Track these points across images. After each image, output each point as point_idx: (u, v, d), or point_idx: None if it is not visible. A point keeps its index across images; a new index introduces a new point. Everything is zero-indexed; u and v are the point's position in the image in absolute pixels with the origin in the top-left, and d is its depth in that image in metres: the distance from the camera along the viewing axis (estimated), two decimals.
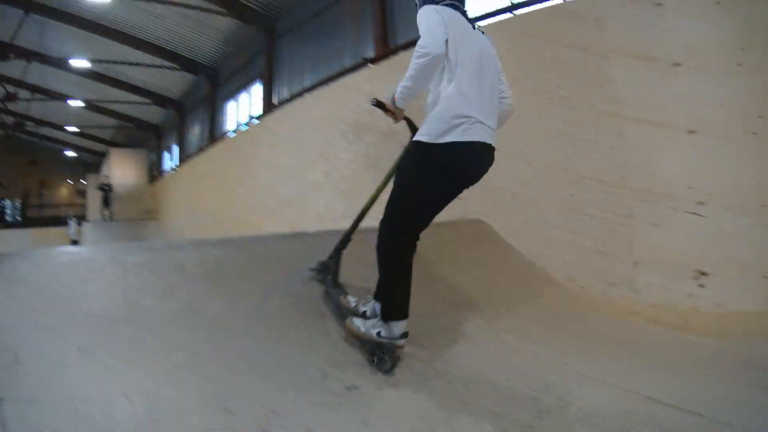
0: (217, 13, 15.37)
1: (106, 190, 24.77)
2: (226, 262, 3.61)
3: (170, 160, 25.73)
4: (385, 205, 3.09)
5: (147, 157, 27.78)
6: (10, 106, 25.90)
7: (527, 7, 7.02)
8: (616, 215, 4.99)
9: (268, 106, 14.16)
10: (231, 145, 14.45)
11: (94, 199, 27.44)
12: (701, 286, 4.40)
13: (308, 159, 9.77)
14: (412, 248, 3.12)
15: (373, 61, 9.56)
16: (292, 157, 10.41)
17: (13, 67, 22.14)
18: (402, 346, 3.08)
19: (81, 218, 26.08)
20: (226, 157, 14.28)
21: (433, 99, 2.97)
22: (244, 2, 14.96)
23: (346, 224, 3.66)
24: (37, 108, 27.69)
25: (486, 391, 2.96)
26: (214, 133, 18.89)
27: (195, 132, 21.51)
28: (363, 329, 3.13)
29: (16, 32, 18.17)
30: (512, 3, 8.00)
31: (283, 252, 3.99)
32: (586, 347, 3.68)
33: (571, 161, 5.40)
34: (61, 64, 21.29)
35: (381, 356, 3.07)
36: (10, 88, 23.44)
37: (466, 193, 5.89)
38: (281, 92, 14.27)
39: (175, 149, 24.37)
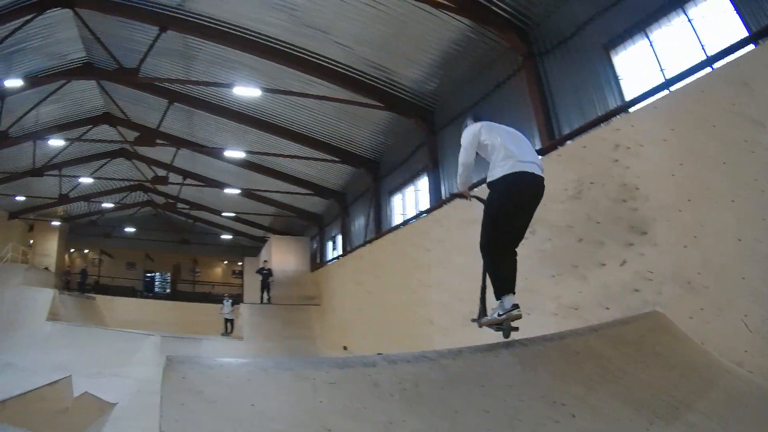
0: (372, 107, 15.87)
1: (265, 274, 25.41)
2: (422, 380, 3.50)
3: (333, 249, 26.40)
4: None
5: (308, 245, 28.38)
6: (160, 187, 28.07)
7: (682, 81, 6.99)
8: None
9: (437, 200, 14.27)
10: (399, 238, 14.45)
11: (251, 281, 28.08)
12: None
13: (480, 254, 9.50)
14: (510, 251, 4.85)
15: (540, 153, 9.10)
16: (463, 252, 9.93)
17: (162, 153, 24.20)
18: (518, 316, 4.49)
19: (237, 299, 27.08)
20: (394, 250, 14.29)
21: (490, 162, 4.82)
22: (399, 95, 15.47)
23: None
24: (191, 192, 29.71)
25: None
26: (380, 226, 19.24)
27: (359, 223, 22.02)
28: (489, 317, 4.72)
29: (161, 120, 19.60)
30: (666, 80, 7.96)
31: (477, 367, 3.92)
32: None
33: (743, 242, 5.32)
34: (212, 153, 22.87)
35: (500, 328, 4.59)
36: (161, 172, 25.27)
37: (642, 284, 6.38)
38: (450, 185, 14.37)
39: (339, 239, 24.99)
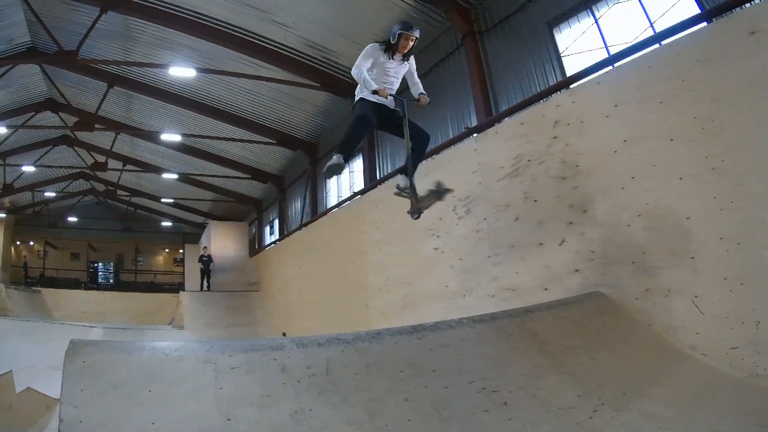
0: (310, 87, 15.60)
1: (205, 261, 25.55)
2: (334, 365, 3.40)
3: (271, 234, 26.37)
4: None
5: (247, 230, 28.54)
6: (100, 174, 27.25)
7: (627, 57, 6.81)
8: (735, 275, 4.77)
9: (371, 181, 14.09)
10: (335, 221, 14.35)
11: (193, 269, 28.14)
12: None
13: (418, 236, 9.45)
14: None
15: (477, 129, 9.12)
16: (400, 235, 10.17)
17: (102, 138, 23.64)
18: None
19: (179, 287, 27.50)
20: (331, 232, 14.18)
21: None
22: (338, 76, 15.19)
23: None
24: (130, 178, 29.28)
25: None
26: (317, 208, 19.03)
27: (296, 207, 21.80)
28: None
29: (100, 104, 18.98)
30: (611, 55, 7.77)
31: (398, 350, 3.75)
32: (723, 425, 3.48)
33: (692, 220, 5.22)
34: (150, 137, 22.44)
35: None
36: (100, 157, 24.50)
37: (583, 265, 6.43)
38: (384, 166, 14.25)
39: (276, 223, 24.90)
